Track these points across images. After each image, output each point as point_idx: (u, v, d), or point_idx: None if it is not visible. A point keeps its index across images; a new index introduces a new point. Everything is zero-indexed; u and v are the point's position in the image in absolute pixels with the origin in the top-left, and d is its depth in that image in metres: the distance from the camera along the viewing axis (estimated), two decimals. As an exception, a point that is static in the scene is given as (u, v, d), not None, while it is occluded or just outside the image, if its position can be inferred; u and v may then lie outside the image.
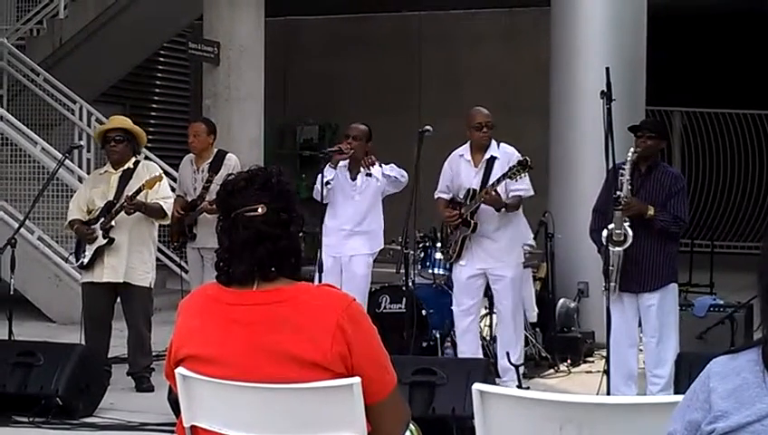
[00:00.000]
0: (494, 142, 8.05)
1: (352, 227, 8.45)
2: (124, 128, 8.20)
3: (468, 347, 8.11)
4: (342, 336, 2.97)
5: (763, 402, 1.95)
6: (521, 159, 7.76)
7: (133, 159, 8.20)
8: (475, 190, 7.93)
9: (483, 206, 7.86)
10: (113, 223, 7.93)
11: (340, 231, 8.38)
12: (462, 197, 8.04)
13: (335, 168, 8.41)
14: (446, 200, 8.15)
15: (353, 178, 8.49)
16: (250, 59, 12.08)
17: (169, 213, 8.17)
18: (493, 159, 7.96)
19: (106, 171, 8.29)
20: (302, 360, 2.97)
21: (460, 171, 8.08)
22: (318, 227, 8.34)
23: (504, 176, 7.74)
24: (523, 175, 7.74)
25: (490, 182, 7.84)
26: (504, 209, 7.84)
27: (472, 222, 7.92)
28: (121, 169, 8.13)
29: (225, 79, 11.97)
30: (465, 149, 8.11)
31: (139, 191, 7.85)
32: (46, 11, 14.97)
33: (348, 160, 8.39)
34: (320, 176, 8.24)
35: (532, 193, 8.11)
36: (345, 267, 8.46)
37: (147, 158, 11.57)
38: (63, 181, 11.70)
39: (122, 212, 7.91)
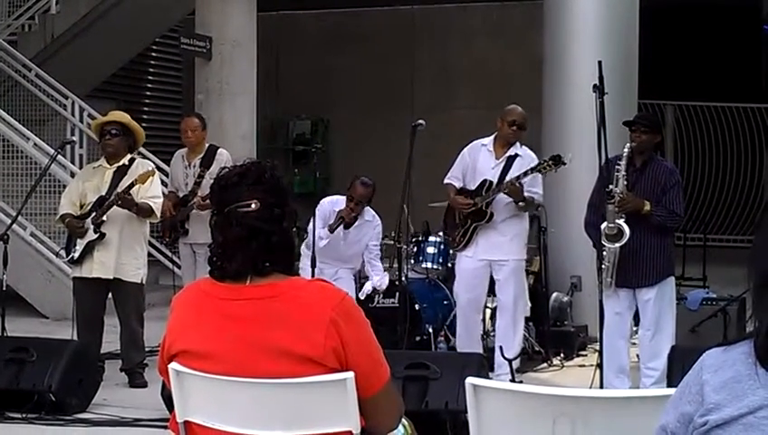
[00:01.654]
0: (518, 143, 8.10)
1: (337, 265, 8.73)
2: (121, 122, 8.16)
3: (468, 340, 8.11)
4: (336, 331, 2.97)
5: (755, 395, 1.95)
6: (554, 154, 7.82)
7: (129, 156, 8.15)
8: (491, 182, 7.95)
9: (498, 197, 7.91)
10: (105, 218, 7.91)
11: (326, 265, 8.53)
12: (475, 187, 8.05)
13: (332, 232, 8.58)
14: (456, 188, 8.17)
15: (345, 228, 8.69)
16: (242, 54, 12.06)
17: (158, 212, 8.11)
18: (515, 156, 8.02)
19: (100, 165, 8.24)
20: (295, 355, 2.97)
21: (478, 160, 8.10)
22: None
23: (532, 169, 7.79)
24: (554, 170, 7.81)
25: (515, 175, 7.87)
26: (520, 203, 7.90)
27: (488, 212, 7.96)
28: (116, 164, 8.09)
29: (217, 74, 11.96)
30: (489, 141, 8.15)
31: (131, 186, 7.82)
32: (38, 6, 14.95)
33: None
34: (314, 231, 8.30)
35: (542, 202, 8.19)
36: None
37: (140, 154, 11.58)
38: (56, 177, 11.67)
39: (114, 207, 7.88)
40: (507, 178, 7.89)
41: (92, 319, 8.02)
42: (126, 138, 8.10)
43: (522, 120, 8.02)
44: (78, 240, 7.98)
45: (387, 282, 8.79)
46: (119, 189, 7.87)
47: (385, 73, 17.99)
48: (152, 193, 7.99)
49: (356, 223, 8.71)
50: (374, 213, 8.86)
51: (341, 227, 8.61)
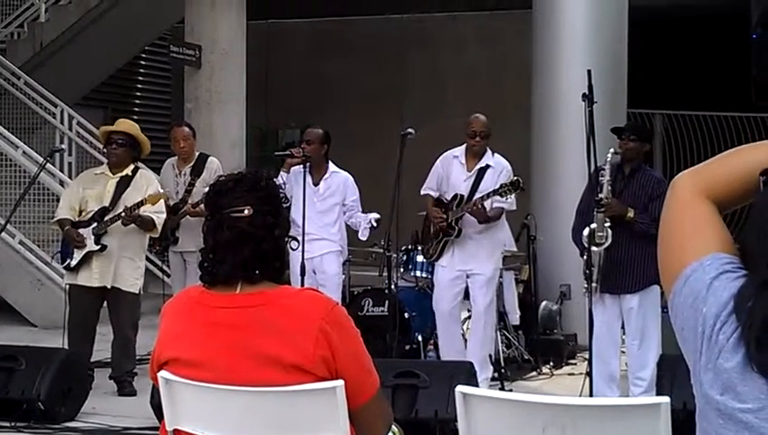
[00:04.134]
0: (489, 151, 8.12)
1: (317, 232, 8.35)
2: (128, 133, 8.12)
3: (451, 350, 8.14)
4: (325, 340, 2.98)
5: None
6: (513, 179, 7.83)
7: (132, 166, 8.09)
8: (462, 196, 7.98)
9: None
10: (106, 230, 7.88)
11: (306, 235, 8.03)
12: (449, 200, 8.08)
13: (288, 172, 8.48)
14: (434, 198, 8.20)
15: (315, 184, 8.47)
16: (232, 62, 12.06)
17: (160, 227, 8.09)
18: (486, 167, 8.05)
19: (103, 173, 8.18)
20: (284, 363, 2.97)
21: (451, 172, 8.14)
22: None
23: (494, 192, 7.82)
24: (513, 195, 7.83)
25: (479, 193, 7.91)
26: (482, 224, 7.95)
27: (457, 228, 8.00)
28: (119, 174, 8.04)
29: (206, 82, 11.96)
30: (460, 152, 8.17)
31: (140, 204, 7.80)
32: (27, 14, 14.92)
33: (309, 166, 8.29)
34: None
35: (514, 208, 8.22)
36: (317, 268, 8.44)
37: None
38: (45, 185, 11.66)
39: (118, 222, 7.85)
40: (478, 192, 7.94)
41: (85, 327, 7.99)
42: (131, 149, 8.04)
43: (482, 128, 8.05)
44: (76, 249, 7.94)
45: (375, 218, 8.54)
46: (126, 203, 7.81)
47: (375, 82, 18.00)
48: (156, 208, 7.94)
49: (324, 176, 8.48)
50: (340, 170, 8.64)
51: (310, 183, 8.29)
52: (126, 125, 8.26)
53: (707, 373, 1.77)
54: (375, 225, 8.47)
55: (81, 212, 8.05)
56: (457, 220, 8.02)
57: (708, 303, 1.79)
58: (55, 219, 8.22)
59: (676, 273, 1.87)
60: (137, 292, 8.05)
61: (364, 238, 8.65)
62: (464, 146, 8.16)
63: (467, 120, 8.19)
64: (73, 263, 7.94)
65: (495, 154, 8.15)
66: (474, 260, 8.06)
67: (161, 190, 8.09)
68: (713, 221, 1.94)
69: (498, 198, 7.90)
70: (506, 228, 8.59)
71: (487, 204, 7.89)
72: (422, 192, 8.28)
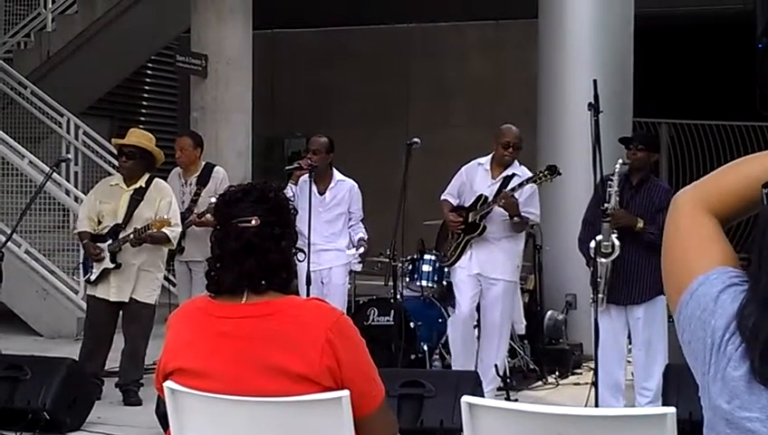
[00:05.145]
0: (516, 161, 8.07)
1: (323, 242, 8.40)
2: (138, 145, 8.07)
3: (464, 354, 8.05)
4: (331, 350, 2.98)
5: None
6: (550, 164, 7.80)
7: (146, 177, 8.06)
8: (486, 197, 7.92)
9: (492, 212, 7.87)
10: (121, 248, 7.89)
11: (312, 246, 7.98)
12: (470, 203, 8.01)
13: (296, 184, 8.54)
14: (451, 205, 8.14)
15: (321, 193, 8.51)
16: (238, 72, 12.08)
17: (174, 241, 8.09)
18: (512, 175, 7.98)
19: (117, 184, 8.17)
20: (290, 373, 2.97)
21: (475, 179, 8.07)
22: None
23: (528, 179, 7.77)
24: (550, 180, 7.77)
25: (511, 186, 7.84)
26: (514, 218, 7.83)
27: (481, 224, 7.91)
28: (133, 186, 8.01)
29: (212, 92, 11.97)
30: (486, 160, 8.11)
31: (147, 228, 7.80)
32: (33, 24, 14.95)
33: (314, 176, 8.30)
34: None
35: (538, 221, 8.18)
36: (325, 279, 8.48)
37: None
38: (51, 195, 11.67)
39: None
40: (510, 187, 7.85)
41: (102, 337, 8.00)
42: (143, 160, 7.99)
43: (516, 140, 7.98)
44: (95, 262, 7.97)
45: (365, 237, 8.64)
46: (138, 222, 7.83)
47: (380, 91, 18.02)
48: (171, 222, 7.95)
49: (329, 185, 8.54)
50: (345, 178, 8.69)
51: (316, 193, 8.35)
52: (136, 137, 8.16)
53: (716, 383, 1.77)
54: (360, 259, 8.61)
55: (99, 222, 8.06)
56: (482, 217, 7.94)
57: (717, 315, 1.79)
58: (75, 232, 8.25)
59: (682, 287, 1.87)
60: (153, 303, 8.07)
61: (357, 269, 8.79)
62: (490, 155, 8.09)
63: (498, 130, 8.09)
64: (93, 278, 7.97)
65: (522, 166, 8.10)
66: (490, 265, 7.96)
67: (173, 205, 8.06)
68: (716, 236, 1.94)
69: (528, 207, 7.86)
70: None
71: (518, 195, 7.79)
72: (441, 197, 8.21)
